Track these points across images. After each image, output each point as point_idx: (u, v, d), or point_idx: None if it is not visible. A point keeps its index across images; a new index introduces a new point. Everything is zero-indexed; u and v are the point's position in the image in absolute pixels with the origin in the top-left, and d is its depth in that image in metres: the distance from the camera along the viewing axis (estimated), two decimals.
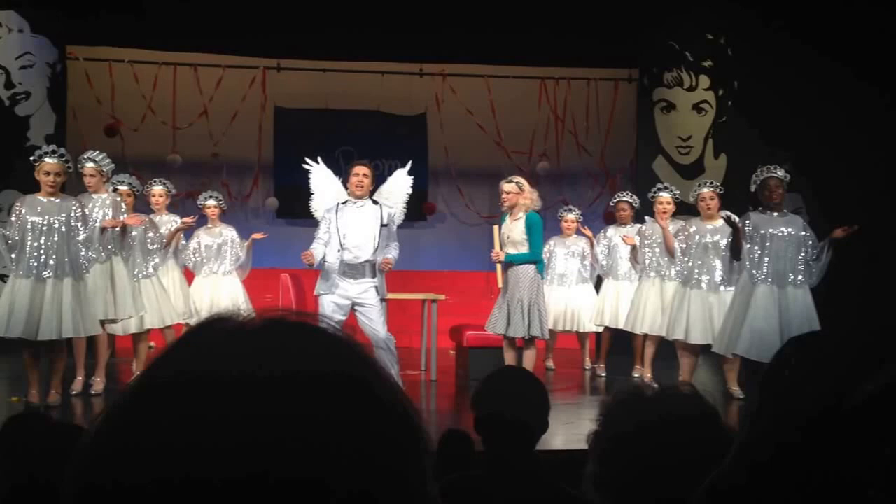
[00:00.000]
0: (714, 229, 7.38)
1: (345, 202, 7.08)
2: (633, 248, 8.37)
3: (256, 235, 8.81)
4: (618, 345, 8.81)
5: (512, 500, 2.36)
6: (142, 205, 8.29)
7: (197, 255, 8.57)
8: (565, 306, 8.86)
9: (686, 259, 7.44)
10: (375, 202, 7.11)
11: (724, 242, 7.12)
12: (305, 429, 0.61)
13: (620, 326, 8.48)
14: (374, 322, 6.90)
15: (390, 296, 7.44)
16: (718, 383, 7.64)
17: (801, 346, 1.07)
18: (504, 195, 7.21)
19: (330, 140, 10.51)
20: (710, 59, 10.54)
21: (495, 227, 7.37)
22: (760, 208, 6.94)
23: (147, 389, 0.65)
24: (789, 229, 6.83)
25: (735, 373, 7.37)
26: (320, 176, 7.67)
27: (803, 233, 6.85)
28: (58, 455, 2.01)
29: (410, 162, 7.91)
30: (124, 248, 7.10)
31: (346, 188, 7.20)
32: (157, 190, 8.38)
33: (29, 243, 6.47)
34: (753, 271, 6.79)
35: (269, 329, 0.67)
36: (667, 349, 7.91)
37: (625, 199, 8.89)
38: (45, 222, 6.51)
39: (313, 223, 7.42)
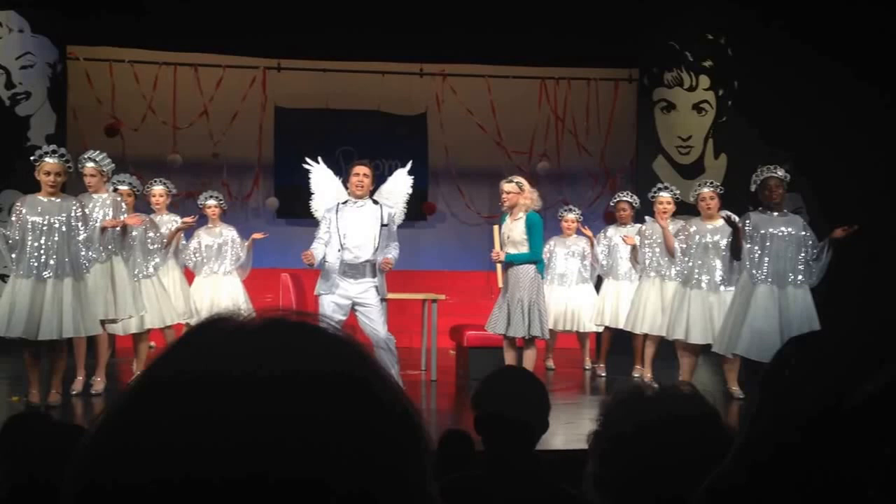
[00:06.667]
0: (714, 229, 7.38)
1: (345, 202, 7.08)
2: (633, 248, 8.37)
3: (257, 235, 8.81)
4: (618, 345, 8.81)
5: (512, 500, 2.36)
6: (142, 205, 8.29)
7: (197, 254, 8.57)
8: (565, 306, 8.86)
9: (686, 259, 7.44)
10: (376, 202, 7.11)
11: (724, 242, 7.12)
12: (305, 429, 0.61)
13: (620, 326, 8.48)
14: (374, 322, 6.90)
15: (390, 296, 7.44)
16: (718, 383, 7.63)
17: (801, 346, 1.07)
18: (504, 195, 7.21)
19: (330, 140, 10.51)
20: (710, 59, 10.55)
21: (495, 227, 7.37)
22: (760, 208, 6.94)
23: (147, 389, 0.65)
24: (789, 229, 6.84)
25: (735, 373, 7.37)
26: (320, 176, 7.67)
27: (803, 233, 6.85)
28: (58, 455, 2.01)
29: (410, 162, 7.91)
30: (125, 247, 7.10)
31: (347, 188, 7.20)
32: (158, 190, 8.38)
33: (29, 243, 6.47)
34: (753, 271, 6.79)
35: (269, 329, 0.67)
36: (667, 349, 7.91)
37: (625, 199, 8.89)
38: (45, 222, 6.51)
39: (313, 223, 7.42)
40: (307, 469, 0.60)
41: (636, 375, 8.39)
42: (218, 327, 0.68)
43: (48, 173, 6.51)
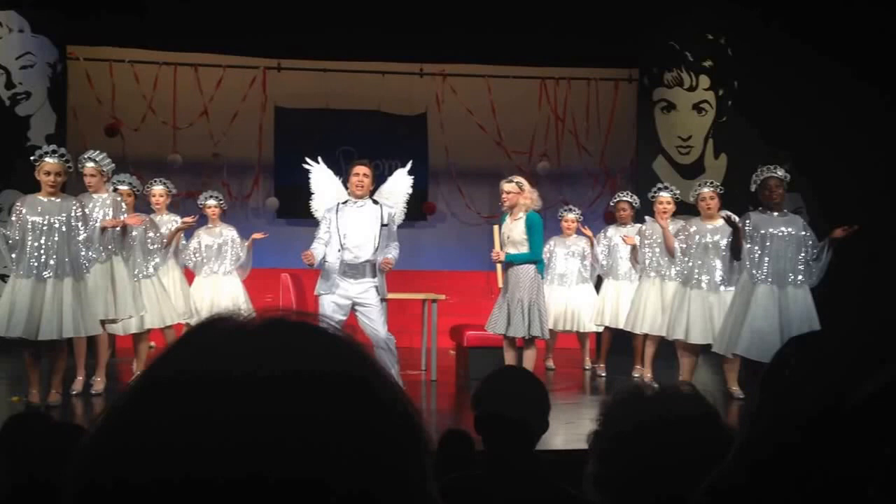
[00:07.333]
0: (714, 229, 7.38)
1: (345, 202, 7.08)
2: (633, 247, 8.37)
3: (257, 235, 8.82)
4: (618, 345, 8.80)
5: (512, 500, 2.36)
6: (142, 205, 8.29)
7: (197, 254, 8.58)
8: (565, 306, 8.86)
9: (686, 259, 7.44)
10: (376, 202, 7.11)
11: (724, 242, 7.12)
12: (305, 429, 0.61)
13: (620, 326, 8.48)
14: (374, 322, 6.90)
15: (390, 296, 7.43)
16: (718, 383, 7.64)
17: (801, 346, 1.07)
18: (504, 195, 7.21)
19: (330, 140, 10.51)
20: (710, 59, 10.55)
21: (495, 227, 7.37)
22: (760, 208, 6.94)
23: (147, 389, 0.65)
24: (789, 229, 6.84)
25: (735, 373, 7.37)
26: (320, 176, 7.67)
27: (803, 233, 6.85)
28: (58, 455, 2.01)
29: (411, 162, 7.91)
30: (125, 247, 7.10)
31: (347, 188, 7.21)
32: (158, 190, 8.38)
33: (29, 243, 6.47)
34: (753, 271, 6.79)
35: (269, 329, 0.67)
36: (667, 349, 7.91)
37: (625, 198, 8.89)
38: (45, 222, 6.51)
39: (313, 223, 7.43)
40: (307, 469, 0.60)
41: (636, 375, 8.39)
42: (218, 327, 0.68)
43: (48, 173, 6.51)
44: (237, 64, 10.66)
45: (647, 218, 8.59)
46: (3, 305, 6.48)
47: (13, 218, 6.60)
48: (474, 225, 11.28)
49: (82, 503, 0.63)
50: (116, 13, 9.28)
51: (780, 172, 6.86)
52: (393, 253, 7.02)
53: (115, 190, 7.43)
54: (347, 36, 9.77)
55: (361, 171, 7.01)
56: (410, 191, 7.81)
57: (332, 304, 6.89)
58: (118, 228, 6.95)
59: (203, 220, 8.68)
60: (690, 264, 7.40)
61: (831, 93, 8.86)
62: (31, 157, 6.66)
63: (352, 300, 6.94)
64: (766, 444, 1.00)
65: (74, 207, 6.63)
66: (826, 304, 6.77)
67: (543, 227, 7.27)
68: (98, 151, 7.32)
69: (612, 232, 8.86)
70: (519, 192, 7.16)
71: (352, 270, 6.94)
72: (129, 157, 10.13)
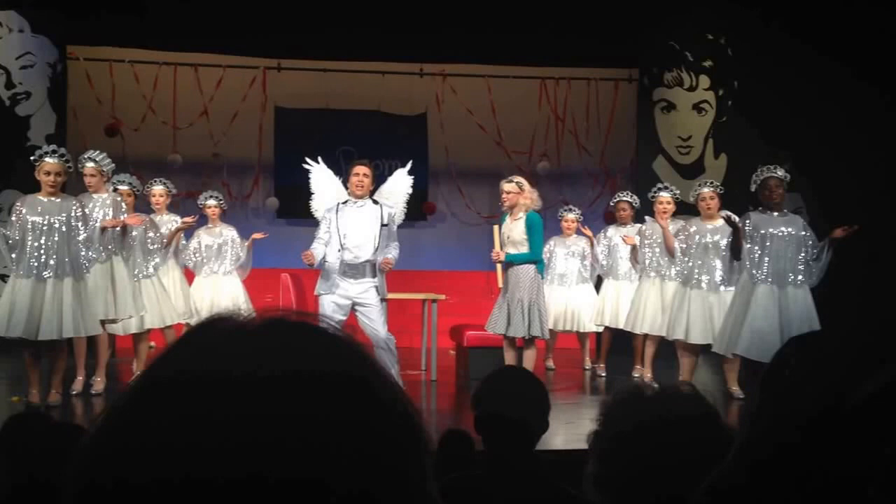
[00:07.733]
0: (714, 229, 7.39)
1: (345, 202, 7.08)
2: (633, 247, 8.37)
3: (257, 235, 8.82)
4: (618, 345, 8.81)
5: (512, 500, 2.36)
6: (142, 205, 8.29)
7: (197, 254, 8.58)
8: (565, 306, 8.86)
9: (686, 259, 7.44)
10: (376, 202, 7.11)
11: (724, 242, 7.13)
12: (305, 429, 0.61)
13: (620, 326, 8.48)
14: (374, 322, 6.90)
15: (390, 296, 7.43)
16: (718, 383, 7.64)
17: (801, 346, 1.07)
18: (504, 195, 7.21)
19: (330, 140, 10.51)
20: (710, 59, 10.55)
21: (495, 227, 7.37)
22: (760, 208, 6.94)
23: (147, 389, 0.65)
24: (789, 229, 6.84)
25: (735, 373, 7.37)
26: (320, 176, 7.67)
27: (803, 233, 6.85)
28: (58, 455, 2.01)
29: (411, 162, 7.92)
30: (125, 247, 7.10)
31: (347, 188, 7.21)
32: (158, 190, 8.38)
33: (29, 243, 6.47)
34: (753, 271, 6.79)
35: (269, 329, 0.67)
36: (667, 349, 7.91)
37: (625, 198, 8.89)
38: (45, 222, 6.51)
39: (313, 223, 7.43)
40: (307, 469, 0.60)
41: (636, 375, 8.39)
42: (218, 327, 0.68)
43: (48, 173, 6.51)
44: (237, 64, 10.66)
45: (647, 218, 8.59)
46: (3, 305, 6.48)
47: (13, 218, 6.60)
48: (474, 225, 11.28)
49: (82, 503, 0.63)
50: (116, 13, 9.28)
51: (780, 172, 6.86)
52: (393, 253, 7.02)
53: (115, 190, 7.43)
54: (347, 36, 9.77)
55: (361, 171, 7.01)
56: (410, 191, 7.81)
57: (332, 304, 6.89)
58: (118, 228, 6.96)
59: (203, 220, 8.68)
60: (690, 264, 7.40)
61: (831, 93, 8.86)
62: (31, 157, 6.66)
63: (352, 300, 6.94)
64: (766, 444, 1.00)
65: (74, 207, 6.63)
66: (826, 304, 6.77)
67: (543, 227, 7.28)
68: (98, 151, 7.32)
69: (612, 232, 8.86)
70: (519, 192, 7.16)
71: (352, 270, 6.94)
72: (129, 157, 10.13)
